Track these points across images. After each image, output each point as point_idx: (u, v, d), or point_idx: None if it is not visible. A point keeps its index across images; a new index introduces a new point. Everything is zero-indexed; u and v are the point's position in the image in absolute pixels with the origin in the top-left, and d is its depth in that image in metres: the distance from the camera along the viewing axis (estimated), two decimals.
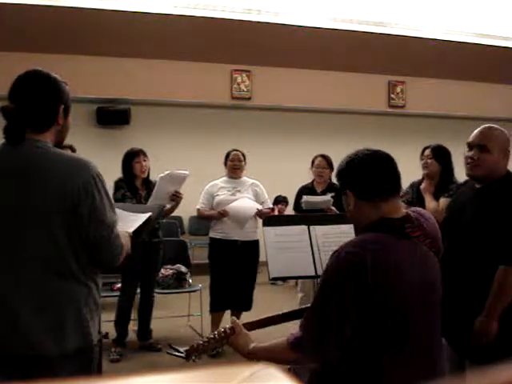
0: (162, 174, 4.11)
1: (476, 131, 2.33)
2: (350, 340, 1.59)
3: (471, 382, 0.42)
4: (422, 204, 3.36)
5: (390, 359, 1.56)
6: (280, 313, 2.00)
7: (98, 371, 1.83)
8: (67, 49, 6.99)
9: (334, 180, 4.61)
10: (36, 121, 1.79)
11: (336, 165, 5.09)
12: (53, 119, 1.82)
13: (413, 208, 1.87)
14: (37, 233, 1.71)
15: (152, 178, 4.34)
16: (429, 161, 3.59)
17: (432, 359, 1.65)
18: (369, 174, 1.68)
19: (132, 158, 4.30)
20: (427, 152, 3.65)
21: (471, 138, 2.32)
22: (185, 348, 1.82)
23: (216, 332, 1.82)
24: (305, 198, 4.46)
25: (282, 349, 1.61)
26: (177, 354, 1.76)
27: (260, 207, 4.39)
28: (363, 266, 1.53)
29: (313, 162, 4.72)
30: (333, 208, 4.27)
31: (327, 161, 4.64)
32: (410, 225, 1.66)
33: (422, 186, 3.55)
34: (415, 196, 3.63)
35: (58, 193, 1.72)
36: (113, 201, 1.84)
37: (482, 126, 2.33)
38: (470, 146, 2.31)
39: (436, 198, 3.48)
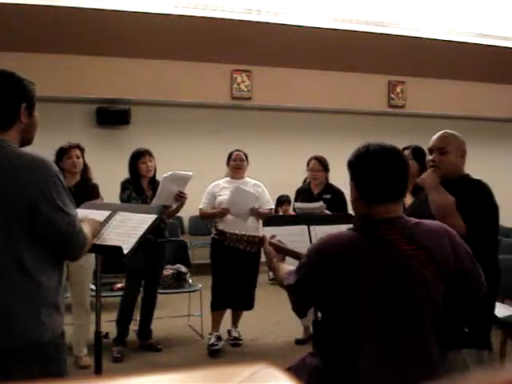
0: (165, 175, 4.11)
1: (434, 137, 2.58)
2: (340, 334, 1.65)
3: (471, 382, 0.41)
4: None
5: (369, 355, 1.58)
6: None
7: (60, 369, 1.83)
8: (67, 49, 7.00)
9: (331, 181, 4.62)
10: None
11: (332, 165, 5.05)
12: (14, 117, 1.82)
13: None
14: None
15: (157, 178, 4.34)
16: (409, 161, 3.68)
17: (421, 358, 1.62)
18: (370, 176, 1.69)
19: (137, 158, 4.31)
20: (407, 153, 3.76)
21: (431, 143, 2.58)
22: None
23: (249, 234, 2.35)
24: (297, 205, 4.44)
25: (284, 278, 1.88)
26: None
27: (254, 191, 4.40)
28: (324, 261, 1.66)
29: (307, 164, 4.67)
30: (327, 212, 4.20)
31: (321, 163, 4.57)
32: (386, 227, 1.64)
33: None
34: None
35: (16, 191, 1.73)
36: (68, 202, 1.83)
37: (439, 132, 2.60)
38: (431, 150, 2.56)
39: (414, 195, 3.60)
